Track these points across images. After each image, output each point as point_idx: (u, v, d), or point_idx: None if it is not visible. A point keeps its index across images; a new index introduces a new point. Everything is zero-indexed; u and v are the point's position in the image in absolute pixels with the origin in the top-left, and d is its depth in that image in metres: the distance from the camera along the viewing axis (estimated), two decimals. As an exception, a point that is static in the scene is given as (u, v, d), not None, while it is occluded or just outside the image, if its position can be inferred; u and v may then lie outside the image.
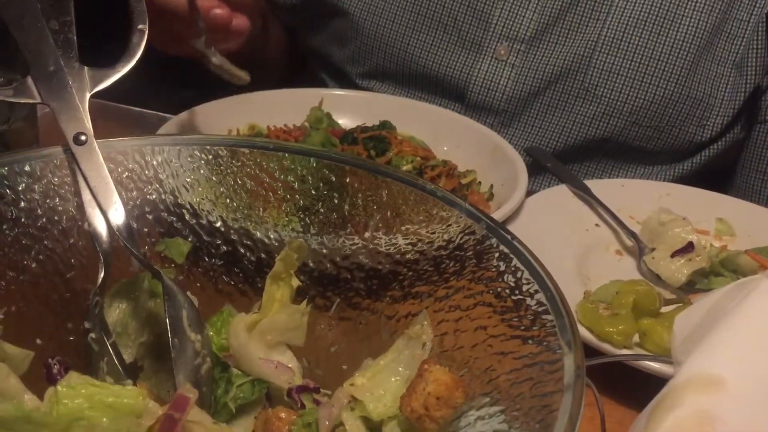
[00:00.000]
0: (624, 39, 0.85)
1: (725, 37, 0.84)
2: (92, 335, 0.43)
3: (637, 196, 0.75)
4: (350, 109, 0.84)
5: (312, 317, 0.47)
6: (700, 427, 0.34)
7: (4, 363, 0.39)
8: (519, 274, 0.42)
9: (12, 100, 0.49)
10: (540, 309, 0.39)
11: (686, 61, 0.84)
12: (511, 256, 0.43)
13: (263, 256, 0.51)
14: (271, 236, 0.51)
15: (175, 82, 1.12)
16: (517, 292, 0.41)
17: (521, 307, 0.40)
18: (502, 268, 0.43)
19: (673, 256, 0.64)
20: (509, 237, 0.44)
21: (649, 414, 0.37)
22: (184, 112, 0.80)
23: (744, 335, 0.38)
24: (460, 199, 0.47)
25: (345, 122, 0.83)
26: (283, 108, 0.84)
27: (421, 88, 0.96)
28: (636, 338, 0.54)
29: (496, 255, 0.44)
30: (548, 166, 0.81)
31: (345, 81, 1.00)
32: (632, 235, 0.69)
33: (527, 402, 0.35)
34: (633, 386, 0.53)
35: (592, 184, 0.75)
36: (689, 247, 0.64)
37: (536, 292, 0.40)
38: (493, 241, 0.44)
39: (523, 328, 0.39)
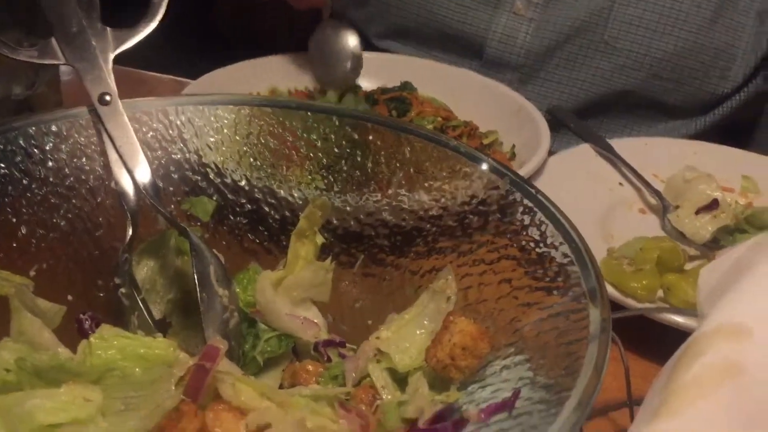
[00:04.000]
0: None
1: None
2: (122, 290, 0.43)
3: (661, 154, 0.74)
4: (370, 71, 0.84)
5: (336, 273, 0.48)
6: (726, 373, 0.34)
7: (37, 317, 0.40)
8: (543, 228, 0.42)
9: (36, 61, 0.49)
10: (565, 260, 0.39)
11: (708, 10, 0.83)
12: (536, 209, 0.43)
13: (287, 214, 0.51)
14: (295, 194, 0.51)
15: (192, 48, 1.12)
16: (541, 244, 0.41)
17: (546, 259, 0.40)
18: (527, 221, 0.43)
19: (697, 213, 0.64)
20: (533, 191, 0.44)
21: (675, 363, 0.37)
22: (205, 76, 0.80)
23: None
24: (483, 154, 0.47)
25: (366, 84, 0.83)
26: (303, 71, 0.84)
27: (438, 45, 0.95)
28: (660, 293, 0.54)
29: (520, 209, 0.44)
30: (570, 125, 0.80)
31: (362, 41, 1.00)
32: (656, 193, 0.69)
33: (552, 351, 0.35)
34: (657, 341, 0.53)
35: (614, 143, 0.74)
36: (714, 204, 0.64)
37: (561, 244, 0.40)
38: (517, 195, 0.44)
39: (548, 279, 0.39)
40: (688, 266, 0.58)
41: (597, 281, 0.36)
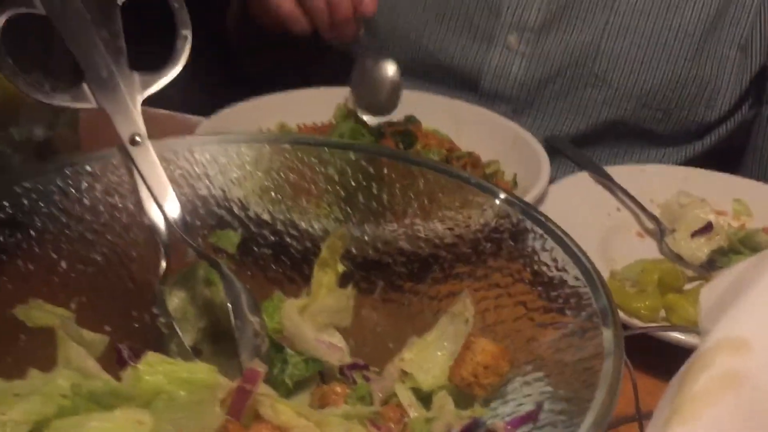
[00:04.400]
0: (631, 25, 0.88)
1: (729, 21, 0.88)
2: (161, 320, 0.46)
3: (656, 180, 0.78)
4: (374, 105, 0.87)
5: (357, 300, 0.50)
6: (729, 384, 0.37)
7: (82, 347, 0.43)
8: (554, 253, 0.45)
9: (70, 105, 0.52)
10: (576, 282, 0.42)
11: (692, 44, 0.87)
12: (546, 235, 0.46)
13: (308, 245, 0.54)
14: (315, 226, 0.54)
15: (199, 86, 1.15)
16: (553, 268, 0.44)
17: (558, 282, 0.43)
18: (538, 247, 0.46)
19: (693, 236, 0.67)
20: (543, 218, 0.47)
21: (682, 377, 0.40)
22: (215, 115, 0.83)
23: (766, 300, 0.41)
24: (493, 185, 0.51)
25: (369, 118, 0.87)
26: (309, 106, 0.88)
27: (435, 80, 0.99)
28: (662, 314, 0.57)
29: (531, 235, 0.47)
30: (568, 154, 0.84)
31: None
32: (653, 217, 0.72)
33: (570, 368, 0.38)
34: (661, 359, 0.55)
35: (610, 170, 0.78)
36: (708, 227, 0.67)
37: (571, 267, 0.43)
38: (528, 223, 0.47)
39: (561, 301, 0.42)
40: (687, 287, 0.61)
41: (608, 301, 0.39)
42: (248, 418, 0.39)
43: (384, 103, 0.85)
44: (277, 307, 0.51)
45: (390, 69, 0.85)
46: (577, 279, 0.42)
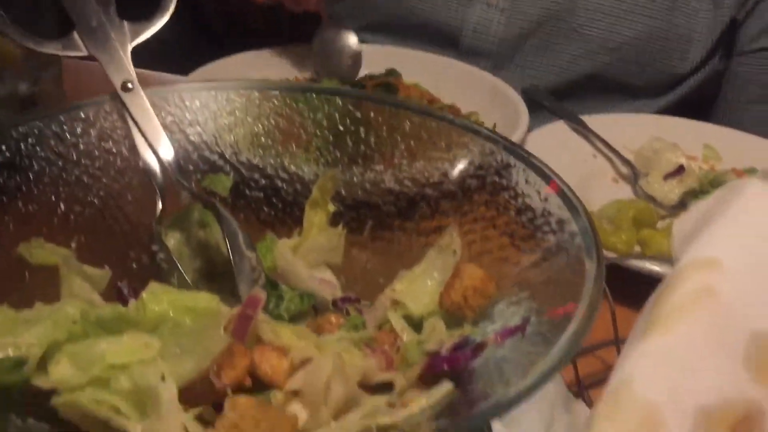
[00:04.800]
0: None
1: None
2: (161, 256, 0.47)
3: (630, 128, 0.80)
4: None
5: (347, 239, 0.52)
6: (701, 298, 0.40)
7: (85, 282, 0.44)
8: (537, 185, 0.47)
9: (61, 53, 0.53)
10: (557, 209, 0.44)
11: None
12: (529, 169, 0.48)
13: (299, 187, 0.56)
14: (305, 169, 0.56)
15: (178, 44, 1.15)
16: (536, 199, 0.46)
17: (541, 211, 0.45)
18: (521, 180, 0.48)
19: (665, 178, 0.70)
20: (525, 154, 0.49)
21: (656, 297, 0.43)
22: (197, 71, 0.84)
23: (735, 224, 0.43)
24: (477, 124, 0.53)
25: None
26: (293, 63, 0.89)
27: (415, 38, 1.00)
28: (638, 249, 0.60)
29: (514, 170, 0.49)
30: (544, 103, 0.86)
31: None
32: (627, 162, 0.75)
33: (553, 287, 0.40)
34: (638, 291, 0.58)
35: (586, 119, 0.80)
36: (680, 170, 0.70)
37: (553, 197, 0.45)
38: (511, 158, 0.49)
39: (545, 228, 0.44)
40: (660, 225, 0.63)
41: (588, 222, 0.41)
42: (250, 342, 0.41)
43: (345, 72, 0.87)
44: (269, 247, 0.53)
45: (350, 39, 0.87)
46: (559, 207, 0.44)
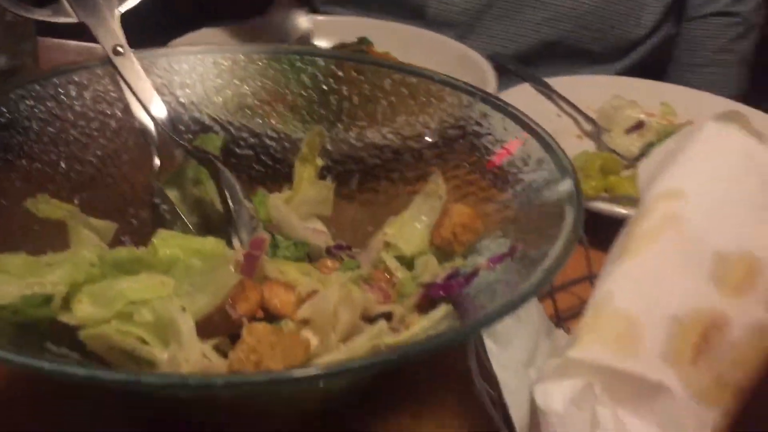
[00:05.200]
0: None
1: None
2: (164, 207, 0.50)
3: (591, 89, 0.84)
4: (327, 31, 0.91)
5: (336, 191, 0.55)
6: (668, 223, 0.43)
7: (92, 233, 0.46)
8: (516, 131, 0.51)
9: (51, 19, 0.55)
10: (537, 151, 0.47)
11: None
12: (506, 118, 0.51)
13: (287, 145, 0.58)
14: (292, 127, 0.58)
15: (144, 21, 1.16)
16: (515, 141, 0.50)
17: (521, 153, 0.49)
18: (499, 128, 0.51)
19: (627, 133, 0.74)
20: (502, 103, 0.52)
21: (627, 228, 0.47)
22: (172, 42, 0.85)
23: (695, 159, 0.47)
24: (455, 79, 0.56)
25: (323, 44, 0.90)
26: (261, 34, 0.91)
27: (383, 10, 1.03)
28: (605, 195, 0.64)
29: (492, 119, 0.52)
30: (510, 67, 0.90)
31: (309, 8, 1.07)
32: (590, 120, 0.79)
33: (536, 216, 0.44)
34: (607, 235, 0.62)
35: (551, 81, 0.84)
36: (640, 125, 0.74)
37: (532, 141, 0.49)
38: (488, 108, 0.53)
39: (526, 168, 0.48)
40: (624, 174, 0.68)
41: (566, 160, 0.45)
42: (258, 281, 0.43)
43: None
44: (261, 202, 0.56)
45: (302, 21, 0.90)
46: (538, 149, 0.48)
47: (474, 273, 0.41)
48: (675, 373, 0.36)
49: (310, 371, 0.30)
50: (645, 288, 0.40)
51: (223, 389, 0.29)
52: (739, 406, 0.38)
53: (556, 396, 0.36)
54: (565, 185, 0.43)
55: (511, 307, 0.35)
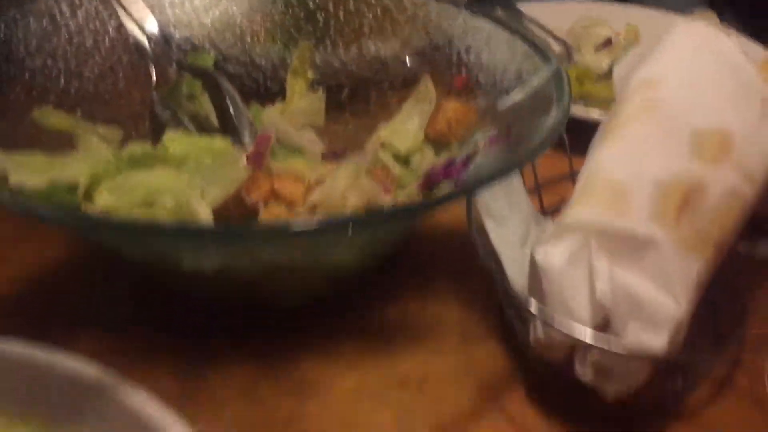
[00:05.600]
0: None
1: None
2: (166, 113, 0.51)
3: (560, 12, 0.87)
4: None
5: (327, 102, 0.57)
6: (647, 107, 0.46)
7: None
8: (500, 35, 0.53)
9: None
10: (525, 57, 0.50)
11: None
12: (489, 28, 0.54)
13: (276, 62, 0.60)
14: (280, 45, 0.60)
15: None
16: (504, 47, 0.52)
17: (508, 56, 0.51)
18: (487, 36, 0.54)
19: (596, 50, 0.77)
20: (485, 16, 0.55)
21: (609, 116, 0.50)
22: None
23: (669, 51, 0.51)
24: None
25: None
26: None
27: None
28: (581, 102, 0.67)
29: (479, 31, 0.55)
30: (482, -4, 0.92)
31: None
32: (560, 40, 0.81)
33: (527, 104, 0.47)
34: (585, 141, 0.66)
35: (522, 6, 0.87)
36: (609, 42, 0.78)
37: (519, 45, 0.51)
38: (474, 21, 0.55)
39: (510, 66, 0.50)
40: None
41: (549, 52, 0.48)
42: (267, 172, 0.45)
43: None
44: (256, 114, 0.57)
45: None
46: (526, 53, 0.50)
47: (474, 153, 0.44)
48: (661, 229, 0.40)
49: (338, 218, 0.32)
50: (629, 158, 0.43)
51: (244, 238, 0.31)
52: (717, 258, 0.41)
53: (555, 254, 0.39)
54: (550, 69, 0.46)
55: (503, 171, 0.38)
